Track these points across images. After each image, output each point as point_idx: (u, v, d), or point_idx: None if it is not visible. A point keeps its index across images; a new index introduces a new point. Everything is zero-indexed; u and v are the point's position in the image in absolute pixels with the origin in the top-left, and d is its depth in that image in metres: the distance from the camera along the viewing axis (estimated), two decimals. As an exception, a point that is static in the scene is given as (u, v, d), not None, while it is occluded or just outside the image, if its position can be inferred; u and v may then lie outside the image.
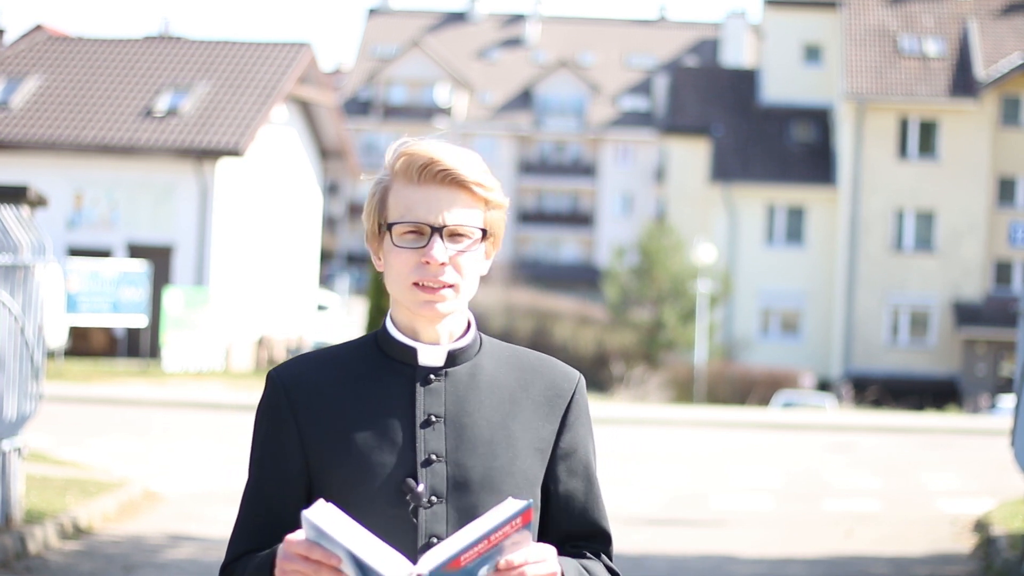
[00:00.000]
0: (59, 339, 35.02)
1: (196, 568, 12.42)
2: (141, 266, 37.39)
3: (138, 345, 39.58)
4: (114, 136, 41.58)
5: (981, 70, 55.53)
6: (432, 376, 3.09)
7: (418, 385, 3.08)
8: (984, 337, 54.45)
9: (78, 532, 13.63)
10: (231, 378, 37.95)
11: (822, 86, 60.53)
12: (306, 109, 46.76)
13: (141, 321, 36.85)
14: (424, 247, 3.03)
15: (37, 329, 13.04)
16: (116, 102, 42.66)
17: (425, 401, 3.07)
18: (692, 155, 61.57)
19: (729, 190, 58.13)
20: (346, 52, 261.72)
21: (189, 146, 41.20)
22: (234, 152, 41.04)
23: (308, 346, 46.08)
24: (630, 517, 16.30)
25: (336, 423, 3.06)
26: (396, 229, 3.05)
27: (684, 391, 49.81)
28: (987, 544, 14.46)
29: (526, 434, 3.10)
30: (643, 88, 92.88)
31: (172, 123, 41.91)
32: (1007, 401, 43.65)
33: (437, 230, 3.03)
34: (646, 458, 23.76)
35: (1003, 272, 56.27)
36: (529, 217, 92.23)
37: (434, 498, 3.02)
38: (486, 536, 2.83)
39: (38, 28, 46.30)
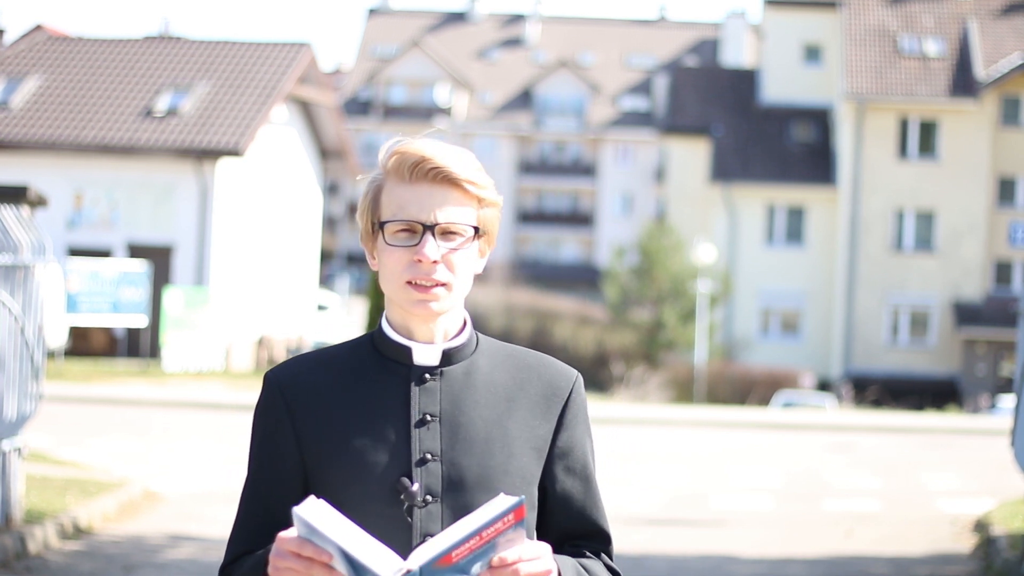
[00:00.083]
0: (59, 339, 35.01)
1: (196, 568, 12.41)
2: (141, 266, 37.39)
3: (138, 345, 39.58)
4: (114, 136, 41.58)
5: (981, 70, 55.52)
6: (427, 375, 3.08)
7: (413, 384, 3.07)
8: (984, 337, 54.43)
9: (78, 532, 13.63)
10: (231, 378, 37.95)
11: (822, 86, 60.52)
12: (306, 109, 46.76)
13: (141, 321, 36.85)
14: (416, 245, 3.02)
15: (37, 329, 13.03)
16: (116, 102, 42.65)
17: (420, 400, 3.07)
18: (692, 155, 61.56)
19: (729, 190, 58.12)
20: (346, 52, 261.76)
21: (189, 146, 41.20)
22: (234, 152, 41.04)
23: (308, 346, 46.06)
24: (630, 517, 16.30)
25: (332, 423, 3.06)
26: (389, 227, 3.04)
27: (684, 391, 49.80)
28: (987, 544, 14.46)
29: (523, 433, 3.09)
30: (643, 88, 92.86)
31: (172, 123, 41.91)
32: (1007, 401, 43.63)
33: (429, 228, 3.02)
34: (646, 458, 23.76)
35: (1003, 272, 56.24)
36: (529, 217, 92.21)
37: (429, 497, 3.01)
38: (477, 532, 2.82)
39: (38, 28, 46.29)
